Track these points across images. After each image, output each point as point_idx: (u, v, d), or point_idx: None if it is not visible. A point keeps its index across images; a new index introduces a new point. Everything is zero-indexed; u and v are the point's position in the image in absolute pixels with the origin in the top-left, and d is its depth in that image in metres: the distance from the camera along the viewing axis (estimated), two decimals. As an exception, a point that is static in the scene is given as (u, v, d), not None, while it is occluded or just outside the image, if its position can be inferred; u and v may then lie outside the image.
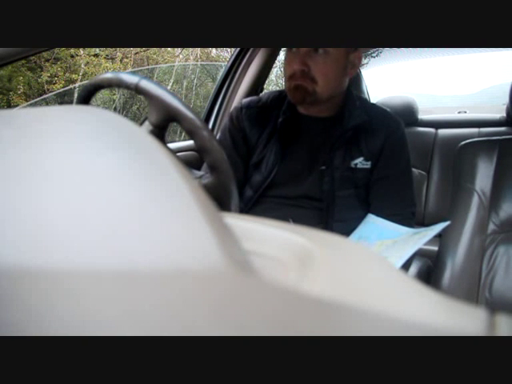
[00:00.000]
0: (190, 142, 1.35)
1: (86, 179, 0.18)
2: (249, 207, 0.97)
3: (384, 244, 0.83)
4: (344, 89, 0.97)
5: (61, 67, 5.85)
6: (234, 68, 1.53)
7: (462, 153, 1.08)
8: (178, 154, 1.30)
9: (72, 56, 5.96)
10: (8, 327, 0.12)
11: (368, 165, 0.95)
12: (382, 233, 0.87)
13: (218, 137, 1.07)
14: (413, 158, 1.03)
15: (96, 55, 6.04)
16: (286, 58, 0.94)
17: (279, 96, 1.02)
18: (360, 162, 0.95)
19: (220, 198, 0.64)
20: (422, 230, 0.82)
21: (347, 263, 0.23)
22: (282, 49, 1.62)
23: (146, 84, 0.64)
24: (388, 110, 1.03)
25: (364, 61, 2.62)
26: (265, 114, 0.99)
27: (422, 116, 2.03)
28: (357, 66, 0.96)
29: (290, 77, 0.91)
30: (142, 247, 0.16)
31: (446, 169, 1.77)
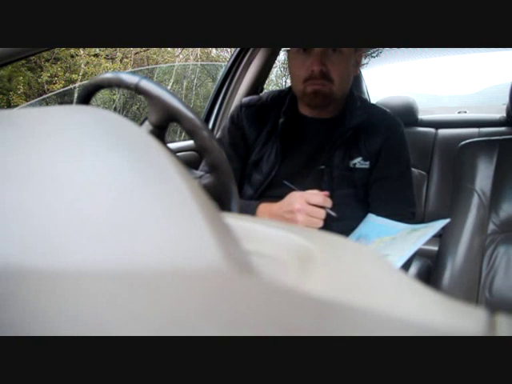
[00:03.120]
0: (190, 142, 1.35)
1: (85, 179, 0.18)
2: None
3: (383, 241, 0.83)
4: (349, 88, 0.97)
5: (61, 67, 5.85)
6: (234, 68, 1.53)
7: (462, 153, 1.08)
8: (178, 153, 1.30)
9: (72, 56, 5.96)
10: (9, 327, 0.12)
11: (366, 165, 0.95)
12: (382, 231, 0.87)
13: (217, 136, 1.07)
14: (413, 158, 1.03)
15: (96, 55, 6.04)
16: (295, 59, 0.92)
17: (279, 95, 1.02)
18: (358, 162, 0.95)
19: (220, 197, 0.64)
20: (421, 226, 0.82)
21: (347, 263, 0.23)
22: (283, 49, 1.61)
23: (146, 84, 0.64)
24: (388, 110, 1.03)
25: (364, 61, 2.62)
26: (264, 113, 1.00)
27: (421, 116, 2.03)
28: (359, 64, 0.97)
29: (306, 79, 0.89)
30: (142, 247, 0.16)
31: (445, 169, 1.77)
